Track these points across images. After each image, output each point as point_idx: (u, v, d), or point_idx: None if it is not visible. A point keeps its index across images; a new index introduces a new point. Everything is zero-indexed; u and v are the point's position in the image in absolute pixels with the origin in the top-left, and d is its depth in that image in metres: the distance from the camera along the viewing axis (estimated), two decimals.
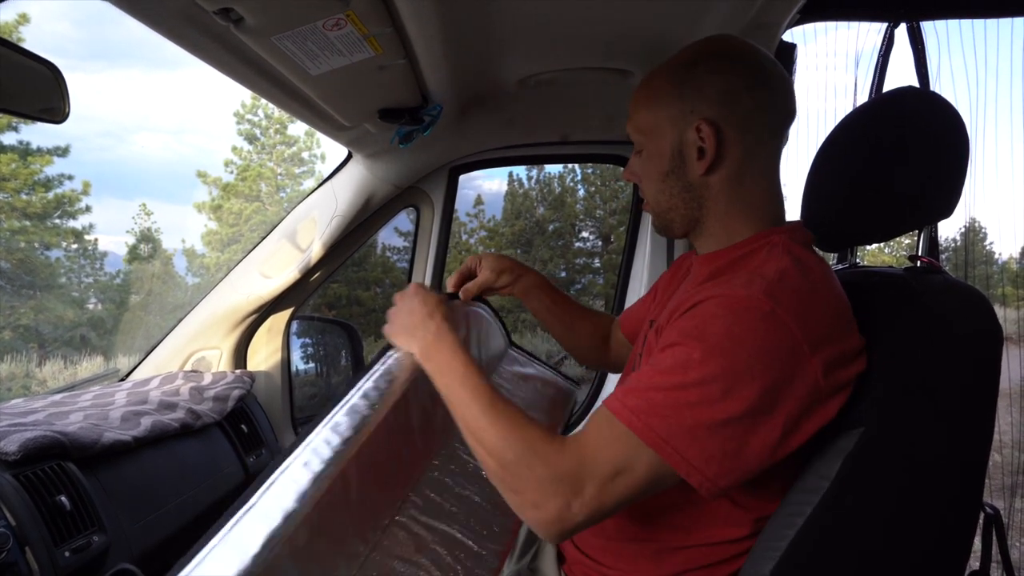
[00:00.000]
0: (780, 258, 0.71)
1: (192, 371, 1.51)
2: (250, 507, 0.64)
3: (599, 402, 1.86)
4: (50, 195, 12.15)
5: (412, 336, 0.81)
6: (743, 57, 0.76)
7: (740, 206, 0.77)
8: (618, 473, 0.64)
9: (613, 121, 1.49)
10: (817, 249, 0.84)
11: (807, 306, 0.66)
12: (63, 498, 0.87)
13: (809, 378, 0.64)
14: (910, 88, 0.78)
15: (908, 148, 0.73)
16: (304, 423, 1.71)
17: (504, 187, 15.94)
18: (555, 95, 1.31)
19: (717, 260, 0.79)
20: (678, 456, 0.63)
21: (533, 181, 15.34)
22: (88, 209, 12.62)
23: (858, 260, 1.03)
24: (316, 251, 1.48)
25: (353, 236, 1.56)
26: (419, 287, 0.86)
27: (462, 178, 1.64)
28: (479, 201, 15.65)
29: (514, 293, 1.08)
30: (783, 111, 0.78)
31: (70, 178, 12.32)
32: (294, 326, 1.67)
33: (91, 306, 13.26)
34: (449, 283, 1.06)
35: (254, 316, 1.55)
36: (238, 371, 1.54)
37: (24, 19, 11.10)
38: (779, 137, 0.78)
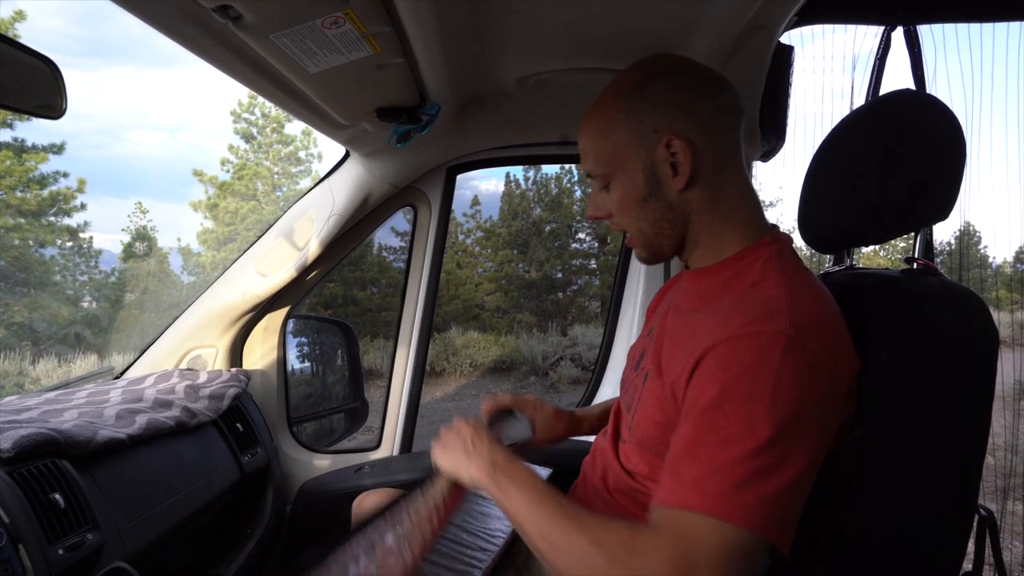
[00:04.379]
0: (779, 279, 0.71)
1: (188, 369, 1.51)
2: None
3: (596, 400, 1.88)
4: (45, 192, 12.08)
5: (471, 461, 0.80)
6: (686, 70, 0.78)
7: (725, 215, 0.78)
8: (724, 558, 0.60)
9: None
10: (812, 250, 0.85)
11: (826, 329, 0.67)
12: (57, 496, 0.87)
13: (840, 396, 0.67)
14: (907, 91, 0.79)
15: (905, 150, 0.74)
16: (299, 423, 1.71)
17: (501, 188, 16.00)
18: (553, 95, 1.30)
19: (708, 277, 0.79)
20: (770, 528, 0.61)
21: (530, 182, 15.38)
22: (83, 207, 12.56)
23: (854, 262, 1.03)
24: (313, 250, 1.47)
25: (350, 235, 1.55)
26: (462, 421, 0.86)
27: (459, 178, 1.65)
28: (476, 202, 15.68)
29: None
30: (738, 110, 0.79)
31: (65, 175, 12.26)
32: (290, 325, 1.67)
33: (86, 304, 13.20)
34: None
35: (250, 315, 1.55)
36: (234, 369, 1.53)
37: (20, 16, 11.03)
38: (740, 139, 0.79)
